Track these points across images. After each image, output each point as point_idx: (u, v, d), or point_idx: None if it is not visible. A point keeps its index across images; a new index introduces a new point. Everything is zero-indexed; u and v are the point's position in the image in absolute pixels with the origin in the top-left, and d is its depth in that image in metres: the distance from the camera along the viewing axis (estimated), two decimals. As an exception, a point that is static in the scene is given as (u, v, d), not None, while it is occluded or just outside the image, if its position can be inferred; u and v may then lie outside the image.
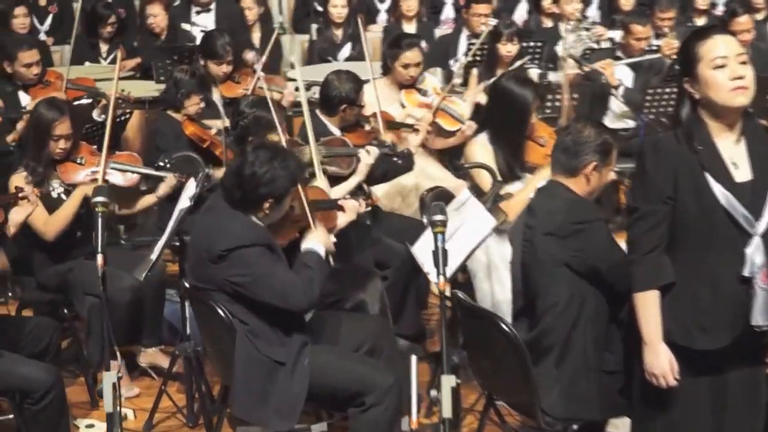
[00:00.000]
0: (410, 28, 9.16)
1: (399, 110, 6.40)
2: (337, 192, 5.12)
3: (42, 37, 9.50)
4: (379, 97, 6.19)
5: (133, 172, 5.44)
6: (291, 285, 4.08)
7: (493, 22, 7.83)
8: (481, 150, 5.15)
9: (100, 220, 3.45)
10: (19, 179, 5.23)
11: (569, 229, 3.91)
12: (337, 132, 5.70)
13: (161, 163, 5.32)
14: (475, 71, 7.26)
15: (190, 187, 4.72)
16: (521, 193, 4.79)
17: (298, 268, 4.21)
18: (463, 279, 5.28)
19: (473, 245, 4.53)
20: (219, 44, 6.70)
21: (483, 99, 6.54)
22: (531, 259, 4.09)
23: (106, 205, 3.47)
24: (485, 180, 5.02)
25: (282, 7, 10.08)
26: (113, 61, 8.42)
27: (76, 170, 5.37)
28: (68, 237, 5.29)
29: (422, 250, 4.56)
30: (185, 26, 7.33)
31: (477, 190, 4.93)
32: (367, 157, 5.23)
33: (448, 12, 10.00)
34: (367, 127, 5.91)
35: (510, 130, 5.11)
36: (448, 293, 4.20)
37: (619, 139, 4.56)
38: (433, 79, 6.79)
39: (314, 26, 9.18)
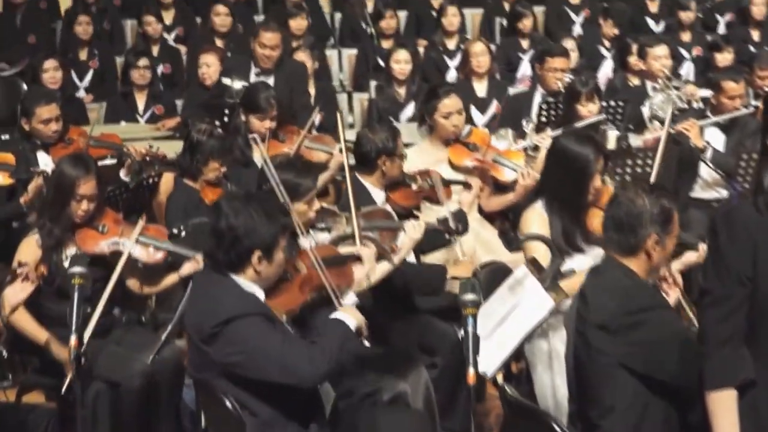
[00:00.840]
0: (481, 86, 8.90)
1: (448, 171, 6.15)
2: (377, 273, 4.88)
3: (81, 94, 9.50)
4: (423, 165, 6.02)
5: (158, 248, 5.18)
6: (292, 354, 3.76)
7: (568, 78, 7.54)
8: (537, 219, 4.84)
9: (76, 294, 3.21)
10: (29, 246, 5.05)
11: (623, 322, 3.57)
12: (380, 195, 5.47)
13: (175, 231, 5.09)
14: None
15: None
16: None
17: (316, 339, 3.95)
18: (517, 369, 4.95)
19: (527, 330, 4.24)
20: (262, 97, 6.49)
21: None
22: (583, 355, 3.77)
23: (84, 277, 3.23)
24: (543, 254, 4.70)
25: (342, 63, 9.92)
26: (152, 120, 8.35)
27: (96, 239, 5.15)
28: None
29: None
30: (226, 81, 7.17)
31: (535, 266, 4.61)
32: (414, 231, 4.95)
33: (524, 69, 9.77)
34: (415, 186, 5.67)
35: (569, 195, 4.78)
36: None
37: (710, 209, 4.21)
38: (479, 130, 6.53)
39: (373, 83, 8.99)
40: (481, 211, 6.34)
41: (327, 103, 8.67)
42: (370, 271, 4.40)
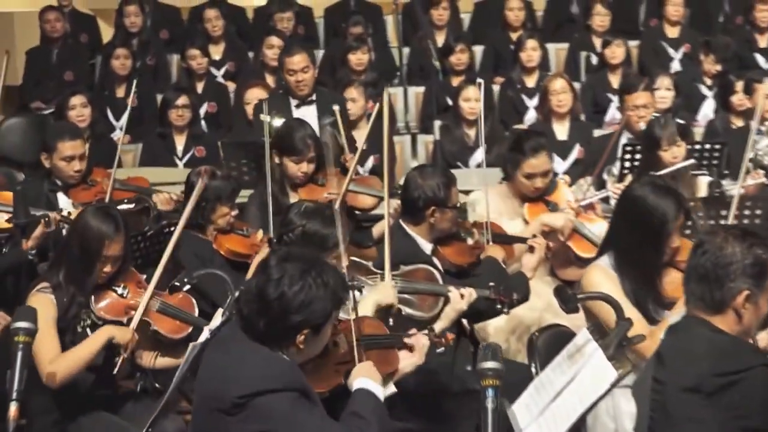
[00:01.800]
0: (562, 128, 8.57)
1: (521, 227, 5.83)
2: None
3: (117, 134, 9.35)
4: (496, 210, 5.82)
5: (182, 320, 4.93)
6: None
7: (656, 115, 7.19)
8: (603, 277, 4.50)
9: (20, 354, 2.94)
10: (43, 303, 4.68)
11: (719, 383, 3.29)
12: (427, 248, 5.15)
13: (177, 283, 4.82)
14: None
15: (216, 318, 4.22)
16: (655, 335, 4.10)
17: (345, 418, 3.68)
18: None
19: (586, 407, 3.89)
20: (298, 137, 6.23)
21: None
22: (663, 426, 3.52)
23: (30, 334, 2.96)
24: (608, 316, 4.35)
25: (408, 102, 9.64)
26: (191, 163, 8.15)
27: (115, 304, 4.89)
28: (81, 381, 4.82)
29: (523, 411, 3.95)
30: (264, 118, 6.94)
31: (599, 331, 4.26)
32: (460, 302, 4.65)
33: (613, 112, 9.39)
34: (470, 241, 5.35)
35: (641, 254, 4.46)
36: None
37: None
38: (568, 192, 6.19)
39: (437, 123, 8.70)
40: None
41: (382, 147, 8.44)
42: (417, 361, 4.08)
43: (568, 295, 4.10)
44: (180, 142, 8.51)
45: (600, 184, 7.40)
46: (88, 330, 4.83)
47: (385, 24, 11.59)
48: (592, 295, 4.31)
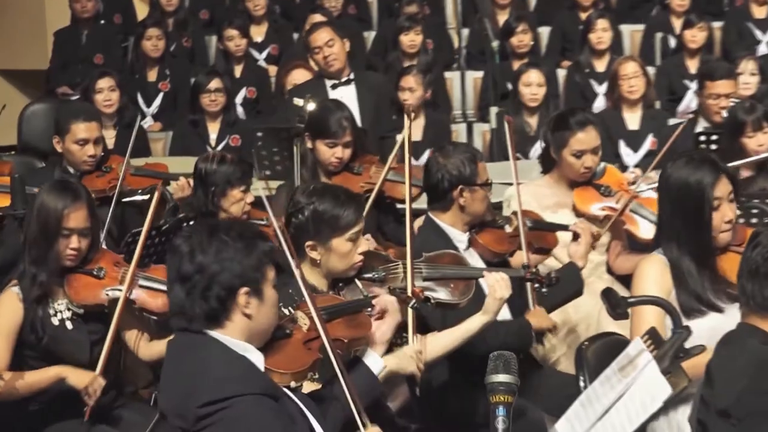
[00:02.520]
0: (633, 116, 8.30)
1: (571, 218, 5.57)
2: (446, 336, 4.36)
3: (148, 122, 9.22)
4: (536, 205, 5.61)
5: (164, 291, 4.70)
6: None
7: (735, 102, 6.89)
8: (655, 273, 4.24)
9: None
10: (7, 303, 4.66)
11: (750, 407, 3.02)
12: (462, 238, 4.94)
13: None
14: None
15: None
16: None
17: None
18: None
19: (637, 424, 3.66)
20: (333, 119, 5.92)
21: None
22: None
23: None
24: (660, 321, 4.09)
25: (466, 89, 9.37)
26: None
27: (91, 286, 4.76)
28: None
29: (568, 430, 3.77)
30: (297, 101, 6.71)
31: (654, 339, 3.99)
32: (497, 291, 4.40)
33: (689, 101, 9.05)
34: (509, 229, 5.13)
35: (689, 235, 4.21)
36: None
37: None
38: (618, 172, 5.92)
39: (494, 110, 8.43)
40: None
41: (438, 137, 8.22)
42: (391, 324, 3.85)
43: (617, 299, 3.83)
44: (213, 129, 8.32)
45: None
46: (68, 323, 4.72)
47: (443, 3, 11.31)
48: (644, 299, 4.04)
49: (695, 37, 9.35)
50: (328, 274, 4.25)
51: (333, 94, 7.25)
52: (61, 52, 10.42)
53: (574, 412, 3.82)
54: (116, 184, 6.09)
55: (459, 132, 8.84)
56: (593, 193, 5.74)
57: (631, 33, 10.66)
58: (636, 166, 8.09)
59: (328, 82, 7.41)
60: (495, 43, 8.52)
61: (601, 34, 9.35)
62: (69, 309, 4.74)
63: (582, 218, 5.63)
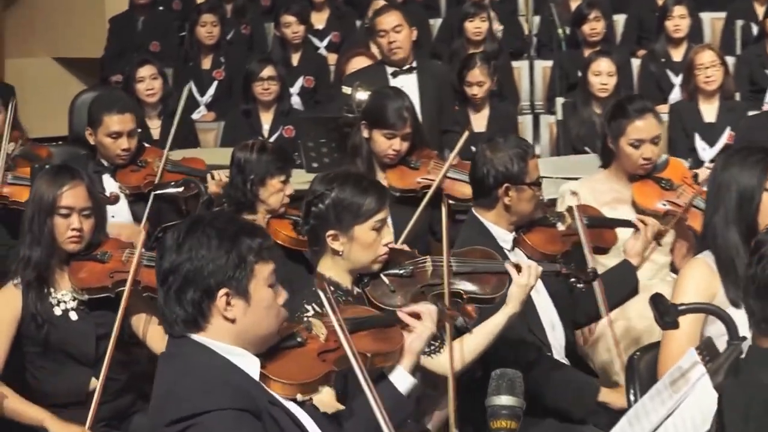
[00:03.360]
0: (710, 108, 7.97)
1: (630, 214, 5.29)
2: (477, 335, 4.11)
3: (201, 112, 9.04)
4: (594, 201, 5.28)
5: None
6: None
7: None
8: (701, 276, 3.95)
9: None
10: (4, 294, 4.53)
11: None
12: (508, 238, 4.66)
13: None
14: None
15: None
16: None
17: None
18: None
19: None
20: (392, 108, 5.59)
21: None
22: None
23: None
24: (695, 333, 3.82)
25: (534, 78, 9.08)
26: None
27: (95, 269, 4.57)
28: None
29: None
30: (346, 90, 6.47)
31: (709, 350, 3.71)
32: (521, 278, 4.11)
33: (773, 91, 8.70)
34: (561, 227, 4.82)
35: (737, 220, 3.94)
36: None
37: None
38: (683, 165, 5.62)
39: (560, 101, 8.13)
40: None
41: (503, 129, 7.94)
42: (422, 337, 3.55)
43: (666, 306, 3.54)
44: (266, 119, 8.10)
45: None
46: (71, 314, 4.55)
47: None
48: (697, 307, 3.74)
49: (777, 26, 8.99)
50: (352, 269, 4.01)
51: (393, 83, 6.99)
52: (117, 40, 10.31)
53: (621, 429, 3.57)
54: (152, 181, 5.90)
55: (525, 124, 8.57)
56: (654, 187, 5.44)
57: (712, 21, 10.29)
58: (712, 161, 7.80)
59: (389, 69, 7.15)
60: (560, 31, 8.19)
61: (678, 21, 9.01)
62: (74, 299, 4.56)
63: (642, 215, 5.37)
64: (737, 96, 8.58)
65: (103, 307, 4.57)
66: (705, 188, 5.35)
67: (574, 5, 9.97)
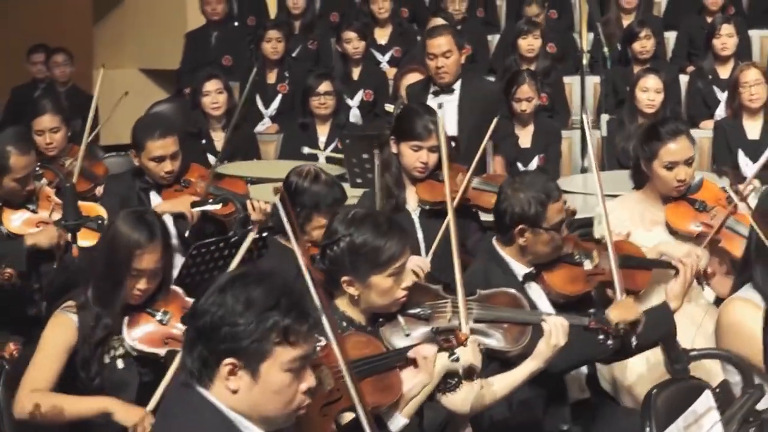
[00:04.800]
0: (754, 125, 7.46)
1: (662, 236, 4.82)
2: (497, 387, 3.66)
3: (265, 123, 8.69)
4: (629, 220, 4.85)
5: None
6: None
7: None
8: (748, 312, 3.48)
9: None
10: (63, 328, 4.00)
11: None
12: (521, 272, 4.20)
13: None
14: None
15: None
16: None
17: None
18: None
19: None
20: (420, 122, 5.17)
21: None
22: None
23: None
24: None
25: (586, 94, 8.57)
26: (333, 158, 7.35)
27: (152, 331, 4.06)
28: None
29: None
30: (388, 107, 6.08)
31: (726, 394, 3.25)
32: (554, 335, 3.65)
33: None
34: (588, 265, 4.33)
35: None
36: None
37: None
38: (717, 186, 5.13)
39: (605, 117, 7.64)
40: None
41: (548, 144, 7.52)
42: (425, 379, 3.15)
43: (678, 353, 3.09)
44: (323, 132, 7.73)
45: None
46: (119, 362, 4.04)
47: (572, 7, 10.49)
48: (709, 353, 3.28)
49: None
50: (368, 310, 3.59)
51: (431, 100, 6.59)
52: (192, 54, 9.96)
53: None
54: (195, 201, 5.53)
55: (573, 139, 8.08)
56: (687, 208, 4.97)
57: (761, 38, 9.70)
58: (755, 177, 7.30)
59: (432, 88, 6.75)
60: (606, 50, 7.68)
61: (725, 39, 8.46)
62: (124, 348, 4.06)
63: (676, 236, 4.90)
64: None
65: (151, 364, 4.07)
66: (742, 207, 4.94)
67: (626, 22, 9.49)
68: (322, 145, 7.68)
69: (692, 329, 4.69)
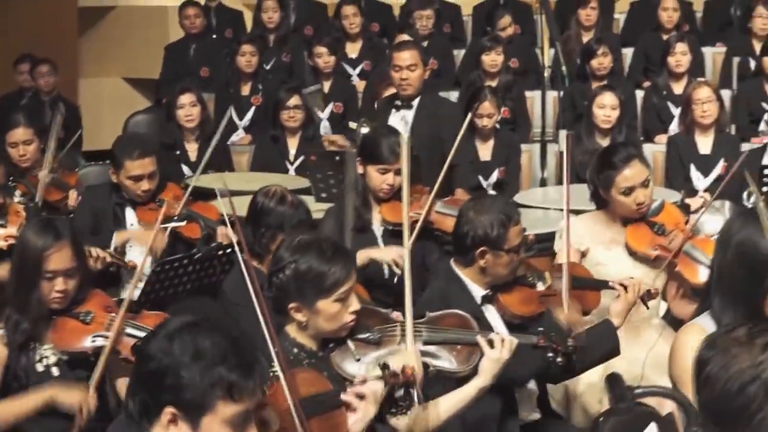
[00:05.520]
0: (706, 141, 7.28)
1: (624, 259, 4.66)
2: (445, 407, 3.43)
3: (239, 134, 8.47)
4: (590, 239, 4.71)
5: None
6: None
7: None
8: (694, 344, 3.27)
9: None
10: None
11: None
12: (479, 293, 4.03)
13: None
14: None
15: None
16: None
17: None
18: None
19: None
20: (386, 143, 5.00)
21: None
22: None
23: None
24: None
25: (546, 108, 8.38)
26: (302, 169, 7.12)
27: (76, 332, 3.94)
28: None
29: None
30: (352, 124, 5.89)
31: (669, 427, 3.06)
32: (494, 352, 3.46)
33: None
34: (541, 287, 4.15)
35: (750, 299, 3.19)
36: None
37: None
38: (676, 210, 4.95)
39: (563, 133, 7.45)
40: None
41: (508, 157, 7.32)
42: (365, 420, 2.96)
43: (622, 390, 2.89)
44: (293, 145, 7.51)
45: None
46: (53, 370, 3.91)
47: (535, 23, 10.28)
48: (654, 391, 3.07)
49: (771, 61, 8.25)
50: (317, 335, 3.38)
51: (393, 115, 6.42)
52: (171, 65, 9.75)
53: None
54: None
55: (533, 152, 7.88)
56: (646, 231, 4.79)
57: (713, 55, 9.53)
58: (706, 190, 7.15)
59: (397, 102, 6.57)
60: (564, 69, 7.49)
61: (679, 57, 8.28)
62: (54, 354, 3.93)
63: (634, 257, 4.73)
64: (733, 128, 7.89)
65: (84, 364, 3.94)
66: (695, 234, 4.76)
67: (586, 38, 9.31)
68: (291, 157, 7.47)
69: (644, 351, 4.54)
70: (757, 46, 8.85)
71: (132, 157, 5.33)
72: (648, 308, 4.48)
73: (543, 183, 7.52)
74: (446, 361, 3.48)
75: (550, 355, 3.61)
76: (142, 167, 5.36)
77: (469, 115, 6.01)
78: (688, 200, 6.89)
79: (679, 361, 3.31)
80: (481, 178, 7.25)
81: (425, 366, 3.40)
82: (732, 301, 3.23)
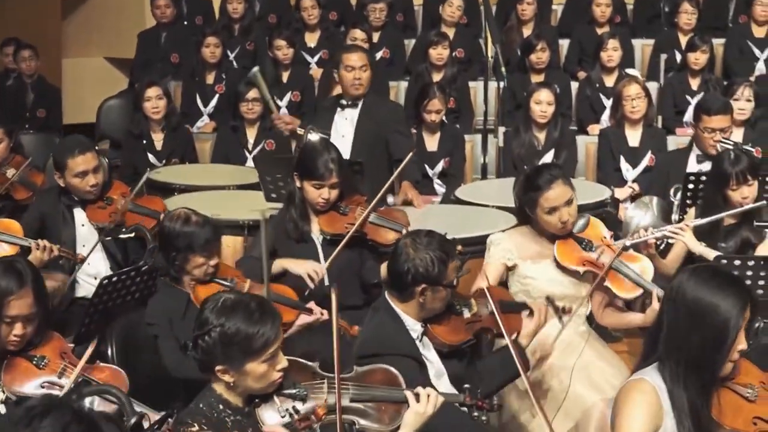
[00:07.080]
0: (635, 134, 6.81)
1: (553, 273, 4.21)
2: None
3: (204, 121, 7.89)
4: (518, 253, 4.25)
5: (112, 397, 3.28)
6: None
7: (728, 144, 5.34)
8: (644, 400, 2.82)
9: None
10: None
11: None
12: (416, 327, 3.53)
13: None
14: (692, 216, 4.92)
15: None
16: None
17: None
18: None
19: None
20: (320, 161, 4.51)
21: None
22: None
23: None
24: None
25: (489, 98, 7.83)
26: (259, 157, 6.57)
27: (28, 375, 3.44)
28: None
29: None
30: (300, 131, 5.36)
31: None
32: (419, 406, 2.97)
33: (691, 115, 7.42)
34: (467, 314, 3.67)
35: (703, 359, 2.78)
36: None
37: None
38: (602, 227, 4.47)
39: (501, 129, 6.93)
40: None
41: (453, 148, 6.82)
42: None
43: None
44: (251, 135, 6.98)
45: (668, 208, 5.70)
46: (1, 407, 3.39)
47: (480, 15, 9.67)
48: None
49: (698, 59, 7.72)
50: (244, 393, 2.90)
51: (339, 114, 5.90)
52: (143, 51, 9.10)
53: None
54: (116, 219, 4.85)
55: (475, 142, 7.35)
56: (574, 246, 4.31)
57: (642, 46, 9.00)
58: (634, 180, 6.69)
59: (341, 100, 6.02)
60: (503, 69, 6.93)
61: (611, 53, 7.77)
62: (3, 392, 3.42)
63: (563, 271, 4.26)
64: (659, 121, 7.41)
65: None
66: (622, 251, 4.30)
67: (526, 31, 8.76)
68: (250, 146, 6.93)
69: (573, 358, 4.14)
70: (683, 40, 8.36)
71: (73, 155, 4.87)
72: (562, 324, 4.02)
73: (484, 169, 7.01)
74: (372, 420, 2.98)
75: (476, 414, 3.13)
76: (85, 162, 4.88)
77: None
78: (616, 190, 6.47)
79: (623, 421, 2.84)
80: (427, 167, 6.77)
81: (351, 424, 2.91)
82: (685, 368, 2.77)
